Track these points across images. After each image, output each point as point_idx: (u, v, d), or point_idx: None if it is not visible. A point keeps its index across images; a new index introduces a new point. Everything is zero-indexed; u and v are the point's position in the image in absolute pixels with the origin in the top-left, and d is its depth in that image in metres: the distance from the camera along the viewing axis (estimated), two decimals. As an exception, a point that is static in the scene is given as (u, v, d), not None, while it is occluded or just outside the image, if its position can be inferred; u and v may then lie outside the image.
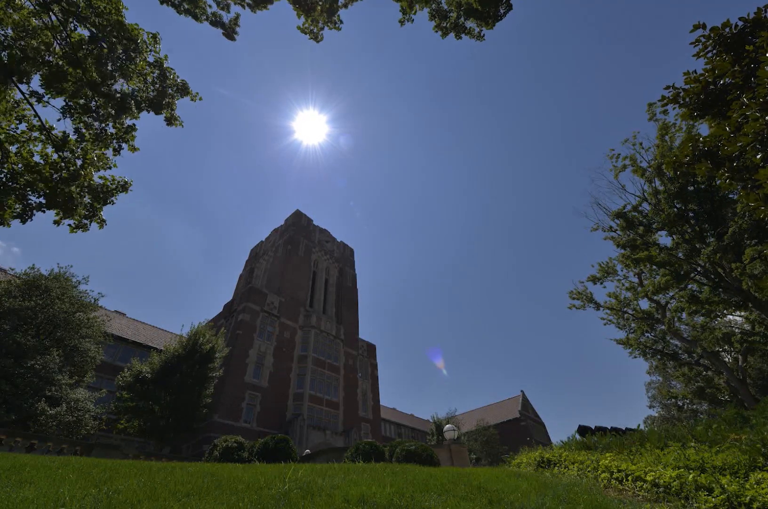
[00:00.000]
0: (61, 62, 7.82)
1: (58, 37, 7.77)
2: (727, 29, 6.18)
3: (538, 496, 5.65)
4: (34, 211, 8.42)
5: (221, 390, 29.19)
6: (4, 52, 7.34)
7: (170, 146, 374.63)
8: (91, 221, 9.12)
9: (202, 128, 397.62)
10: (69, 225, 8.89)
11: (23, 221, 8.33)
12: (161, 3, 8.05)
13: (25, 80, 7.80)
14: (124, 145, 9.27)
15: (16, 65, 7.25)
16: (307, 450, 23.13)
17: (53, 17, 7.57)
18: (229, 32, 8.93)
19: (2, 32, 7.49)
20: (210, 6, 8.53)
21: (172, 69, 9.02)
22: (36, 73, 7.87)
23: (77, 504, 4.29)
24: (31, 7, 7.72)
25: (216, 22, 8.66)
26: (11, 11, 7.44)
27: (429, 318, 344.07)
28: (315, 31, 8.42)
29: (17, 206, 8.29)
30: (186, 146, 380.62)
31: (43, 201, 8.42)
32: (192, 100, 9.38)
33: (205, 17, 8.56)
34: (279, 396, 33.15)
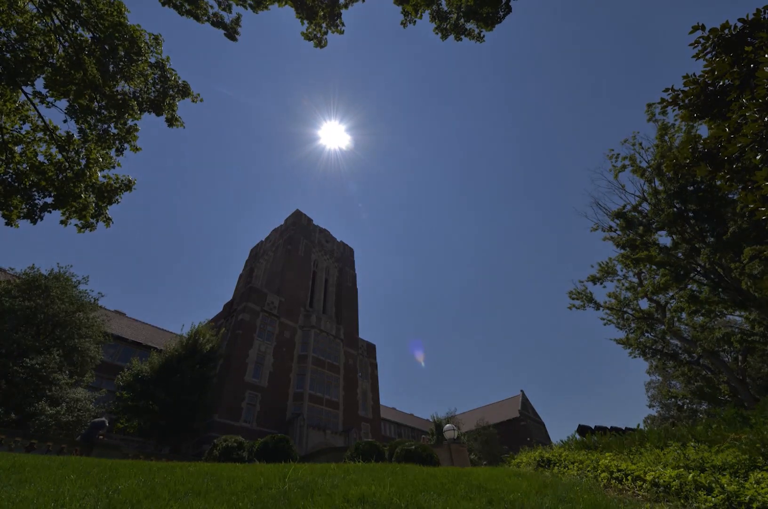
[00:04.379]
0: (63, 64, 7.83)
1: (61, 39, 7.78)
2: (726, 30, 6.19)
3: (538, 496, 5.66)
4: (42, 211, 8.44)
5: (221, 389, 29.18)
6: (8, 55, 7.35)
7: (172, 148, 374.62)
8: (97, 220, 9.14)
9: (206, 130, 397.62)
10: (76, 225, 8.91)
11: (33, 222, 8.36)
12: (163, 5, 8.06)
13: (29, 82, 7.82)
14: (126, 145, 9.29)
15: (19, 67, 7.26)
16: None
17: (55, 20, 7.58)
18: (231, 33, 8.95)
19: (6, 35, 7.50)
20: (211, 7, 8.55)
21: (173, 70, 9.03)
22: (39, 75, 7.89)
23: (77, 504, 4.30)
24: (34, 10, 7.73)
25: (217, 22, 8.68)
26: (14, 14, 7.45)
27: (429, 318, 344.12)
28: (319, 36, 8.45)
29: (23, 206, 8.30)
30: (188, 148, 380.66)
31: (50, 201, 8.44)
32: (193, 101, 9.40)
33: (206, 18, 8.58)
34: (279, 396, 33.15)
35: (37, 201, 8.43)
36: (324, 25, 8.25)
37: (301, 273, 45.30)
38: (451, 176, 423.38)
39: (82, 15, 7.54)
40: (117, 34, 7.65)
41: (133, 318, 40.03)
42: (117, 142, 9.12)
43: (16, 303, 18.81)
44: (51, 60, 7.92)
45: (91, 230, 9.01)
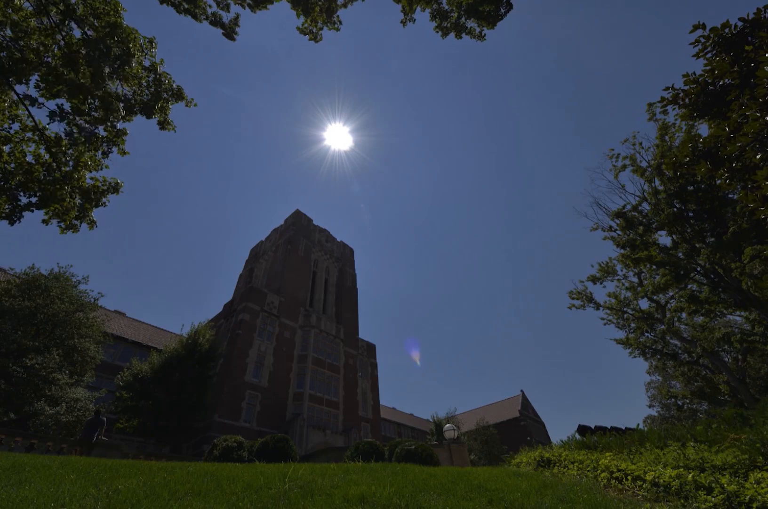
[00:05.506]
0: (57, 64, 7.80)
1: (56, 38, 7.75)
2: (727, 30, 6.18)
3: (538, 495, 5.65)
4: (23, 211, 8.35)
5: (221, 389, 29.18)
6: (3, 53, 7.32)
7: (173, 147, 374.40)
8: (81, 222, 9.06)
9: (209, 131, 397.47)
10: (59, 226, 8.84)
11: (11, 223, 8.24)
12: (161, 3, 8.05)
13: (22, 81, 7.79)
14: (114, 148, 9.21)
15: (13, 66, 7.23)
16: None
17: (51, 18, 7.56)
18: (229, 32, 8.93)
19: (1, 33, 7.47)
20: (210, 6, 8.54)
21: (167, 74, 8.99)
22: (33, 75, 7.85)
23: (77, 504, 4.29)
24: (30, 8, 7.71)
25: (216, 22, 8.66)
26: (10, 12, 7.42)
27: (429, 318, 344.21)
28: (314, 31, 8.43)
29: (6, 206, 8.22)
30: (189, 148, 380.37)
31: (33, 201, 8.35)
32: (187, 105, 9.35)
33: (204, 17, 8.56)
34: (279, 396, 33.15)
35: (21, 202, 8.35)
36: (320, 21, 8.24)
37: (301, 273, 45.28)
38: (451, 176, 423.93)
39: (77, 13, 7.50)
40: (112, 35, 7.62)
41: (133, 318, 40.03)
42: (104, 145, 9.03)
43: (16, 303, 18.81)
44: (46, 59, 7.88)
45: (74, 232, 8.96)
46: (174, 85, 9.20)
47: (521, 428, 57.87)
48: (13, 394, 16.46)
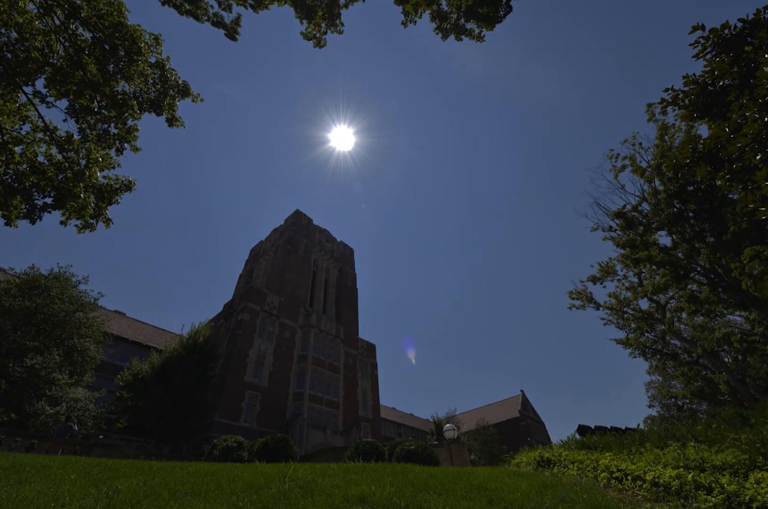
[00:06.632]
0: (64, 64, 7.83)
1: (61, 39, 7.79)
2: (726, 31, 6.19)
3: (538, 495, 5.66)
4: (42, 211, 8.44)
5: (221, 389, 29.18)
6: (8, 55, 7.36)
7: (174, 147, 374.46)
8: (97, 221, 9.15)
9: (211, 131, 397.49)
10: (76, 226, 8.92)
11: (32, 222, 8.36)
12: (163, 4, 8.06)
13: (30, 82, 7.83)
14: (126, 145, 9.31)
15: (20, 67, 7.26)
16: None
17: (56, 20, 7.58)
18: (231, 33, 8.95)
19: (6, 35, 7.50)
20: (212, 7, 8.55)
21: (173, 70, 9.03)
22: (40, 76, 7.89)
23: (77, 504, 4.30)
24: (35, 10, 7.73)
25: (217, 22, 8.68)
26: (15, 14, 7.45)
27: (430, 318, 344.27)
28: (318, 35, 8.46)
29: (23, 206, 8.32)
30: (191, 148, 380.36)
31: (50, 201, 8.45)
32: (193, 101, 9.40)
33: (206, 18, 8.58)
34: (279, 396, 33.15)
35: (36, 201, 8.44)
36: (323, 25, 8.26)
37: (301, 273, 45.29)
38: (451, 176, 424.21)
39: (82, 15, 7.54)
40: (117, 34, 7.65)
41: (133, 318, 40.02)
42: (117, 142, 9.13)
43: (16, 303, 18.81)
44: (51, 60, 7.92)
45: (91, 231, 9.02)
46: (180, 81, 9.24)
47: (521, 428, 57.87)
48: (13, 394, 16.46)
